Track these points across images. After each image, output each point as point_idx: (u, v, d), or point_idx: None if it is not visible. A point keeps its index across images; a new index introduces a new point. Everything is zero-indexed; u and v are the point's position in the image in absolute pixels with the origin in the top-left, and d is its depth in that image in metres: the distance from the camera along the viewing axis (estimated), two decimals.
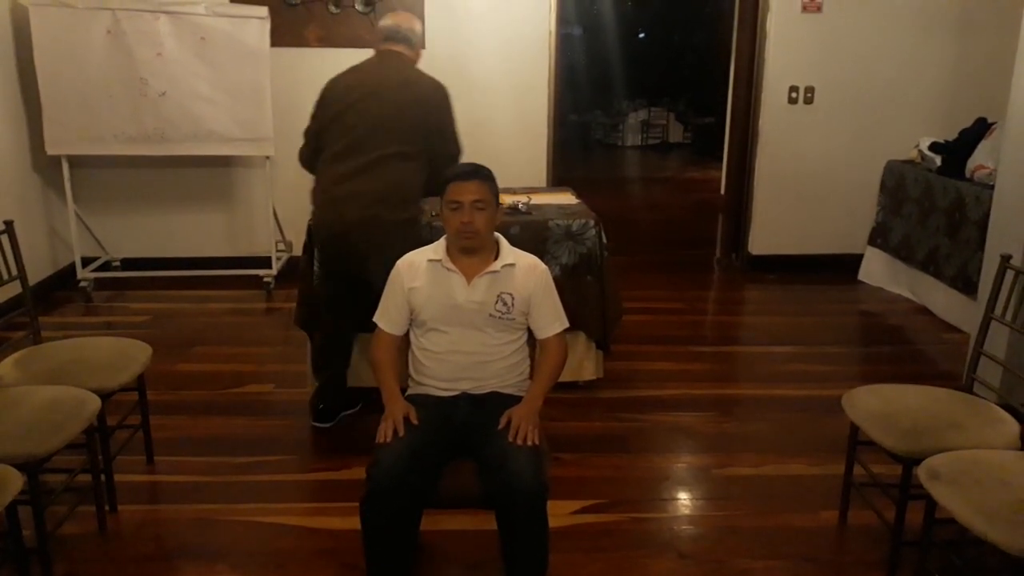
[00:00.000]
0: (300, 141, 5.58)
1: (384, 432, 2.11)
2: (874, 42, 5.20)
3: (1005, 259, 2.52)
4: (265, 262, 5.08)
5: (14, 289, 2.82)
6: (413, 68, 3.06)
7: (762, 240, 5.58)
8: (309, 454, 3.12)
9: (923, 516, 2.13)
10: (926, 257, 4.71)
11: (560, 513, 2.59)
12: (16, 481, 1.92)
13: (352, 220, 2.90)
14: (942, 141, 4.85)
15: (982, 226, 3.92)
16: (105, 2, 4.52)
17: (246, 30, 4.65)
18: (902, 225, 5.02)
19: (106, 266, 5.25)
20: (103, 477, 2.57)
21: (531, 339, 2.37)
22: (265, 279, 5.01)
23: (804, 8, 5.16)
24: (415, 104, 2.92)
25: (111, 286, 5.10)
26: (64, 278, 5.06)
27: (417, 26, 3.11)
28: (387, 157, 2.89)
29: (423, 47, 3.16)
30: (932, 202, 4.68)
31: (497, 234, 2.33)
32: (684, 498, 2.83)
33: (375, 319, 2.36)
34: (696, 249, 6.60)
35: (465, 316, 2.25)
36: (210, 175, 5.33)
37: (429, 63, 5.17)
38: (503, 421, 2.14)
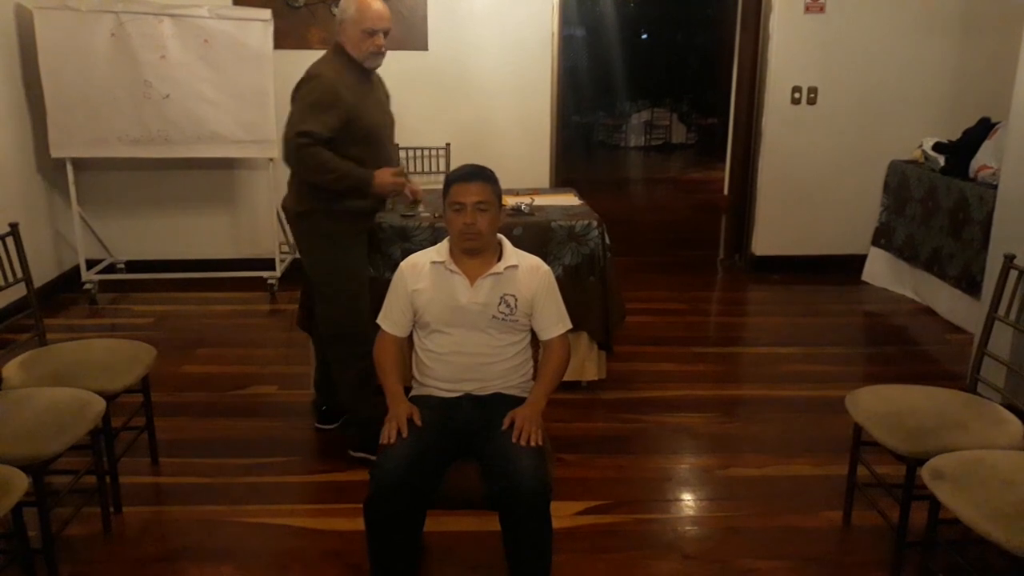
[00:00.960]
0: None
1: (388, 433, 2.11)
2: (877, 42, 5.20)
3: (1009, 259, 2.52)
4: (268, 264, 5.09)
5: (19, 291, 2.83)
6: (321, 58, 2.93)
7: (765, 241, 5.57)
8: (313, 455, 3.12)
9: (927, 516, 2.14)
10: (930, 257, 4.70)
11: (563, 514, 2.59)
12: (22, 483, 1.93)
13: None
14: (945, 141, 4.84)
15: (986, 226, 3.91)
16: (109, 5, 4.54)
17: (249, 32, 4.66)
18: (906, 225, 5.01)
19: (110, 268, 5.27)
20: (108, 478, 2.58)
21: (534, 340, 2.37)
22: (268, 281, 5.02)
23: (807, 8, 5.15)
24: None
25: (115, 288, 5.11)
26: (68, 280, 5.07)
27: (338, 8, 2.89)
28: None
29: (349, 26, 2.80)
30: (936, 202, 4.67)
31: (500, 235, 2.33)
32: (688, 499, 2.83)
33: (378, 321, 2.36)
34: (699, 250, 6.59)
35: (468, 318, 2.25)
36: (213, 177, 5.34)
37: (432, 65, 5.26)
38: (506, 422, 2.14)
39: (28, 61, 4.71)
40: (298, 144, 2.70)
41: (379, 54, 2.86)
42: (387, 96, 3.09)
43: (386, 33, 2.84)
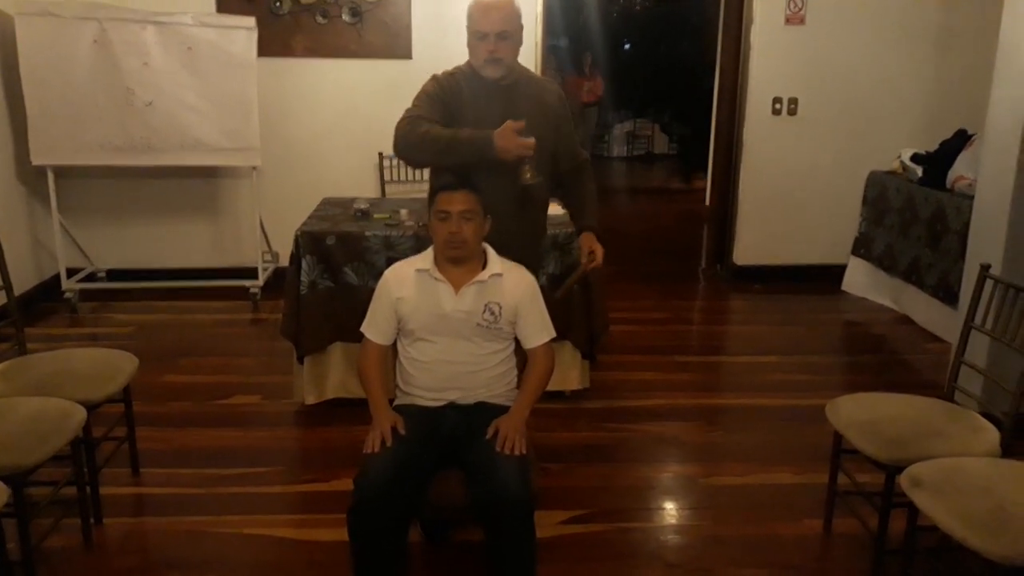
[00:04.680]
0: (286, 150, 5.58)
1: (371, 442, 2.12)
2: (857, 54, 5.27)
3: (985, 269, 2.56)
4: (251, 273, 5.07)
5: None
6: None
7: (747, 250, 5.62)
8: (296, 465, 3.11)
9: (906, 523, 2.16)
10: (908, 267, 4.76)
11: (547, 523, 2.59)
12: (1, 494, 1.92)
13: None
14: (923, 152, 4.91)
15: (963, 236, 3.97)
16: (92, 12, 4.51)
17: (233, 40, 4.65)
18: (884, 235, 5.07)
19: (91, 277, 5.22)
20: (88, 489, 2.56)
21: (519, 349, 2.38)
22: (251, 290, 4.99)
23: (787, 20, 5.22)
24: None
25: (96, 297, 5.06)
26: (48, 289, 5.02)
27: None
28: None
29: (467, 30, 2.51)
30: (914, 212, 4.74)
31: (485, 244, 2.34)
32: (670, 507, 2.84)
33: (362, 329, 2.36)
34: (681, 260, 6.63)
35: (452, 326, 2.26)
36: (196, 185, 5.31)
37: (416, 75, 5.22)
38: (490, 431, 2.15)
39: (9, 67, 4.67)
40: (398, 126, 2.42)
41: (493, 61, 2.47)
42: (548, 118, 2.62)
43: (502, 37, 2.46)
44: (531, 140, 2.30)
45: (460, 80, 2.56)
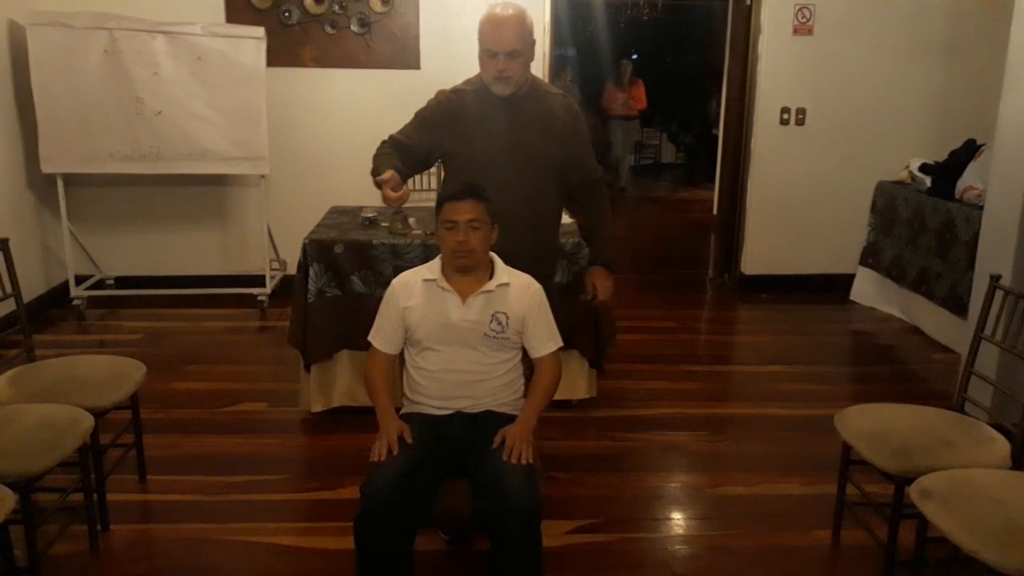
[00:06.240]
0: (295, 159, 5.61)
1: (378, 451, 2.11)
2: (865, 64, 5.26)
3: (994, 279, 2.55)
4: (259, 280, 5.08)
5: (8, 307, 2.81)
6: None
7: (754, 260, 5.60)
8: (303, 473, 3.11)
9: (915, 535, 2.14)
10: (917, 277, 4.74)
11: (554, 533, 2.58)
12: (8, 500, 1.92)
13: None
14: (932, 162, 4.90)
15: (972, 247, 3.95)
16: (102, 22, 4.55)
17: (242, 50, 4.68)
18: (893, 245, 5.06)
19: (100, 284, 5.24)
20: (95, 496, 2.56)
21: (525, 358, 2.38)
22: (259, 297, 5.01)
23: (795, 31, 5.22)
24: None
25: (104, 304, 5.08)
26: (57, 296, 5.04)
27: None
28: None
29: (479, 45, 2.52)
30: (922, 223, 4.72)
31: (492, 253, 2.34)
32: (677, 517, 2.83)
33: (369, 338, 2.36)
34: (689, 269, 6.63)
35: (460, 335, 2.26)
36: (205, 194, 5.33)
37: (424, 84, 5.25)
38: (497, 440, 2.14)
39: (20, 76, 4.71)
40: None
41: (502, 79, 2.48)
42: (553, 132, 2.61)
43: (513, 56, 2.44)
44: (399, 194, 2.41)
45: (466, 96, 2.61)
